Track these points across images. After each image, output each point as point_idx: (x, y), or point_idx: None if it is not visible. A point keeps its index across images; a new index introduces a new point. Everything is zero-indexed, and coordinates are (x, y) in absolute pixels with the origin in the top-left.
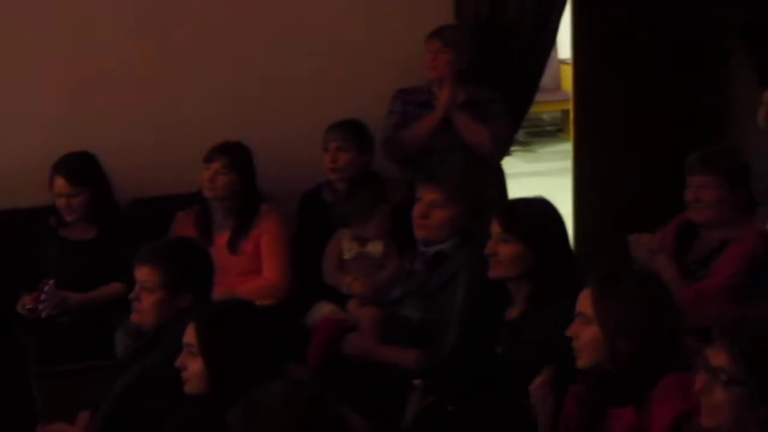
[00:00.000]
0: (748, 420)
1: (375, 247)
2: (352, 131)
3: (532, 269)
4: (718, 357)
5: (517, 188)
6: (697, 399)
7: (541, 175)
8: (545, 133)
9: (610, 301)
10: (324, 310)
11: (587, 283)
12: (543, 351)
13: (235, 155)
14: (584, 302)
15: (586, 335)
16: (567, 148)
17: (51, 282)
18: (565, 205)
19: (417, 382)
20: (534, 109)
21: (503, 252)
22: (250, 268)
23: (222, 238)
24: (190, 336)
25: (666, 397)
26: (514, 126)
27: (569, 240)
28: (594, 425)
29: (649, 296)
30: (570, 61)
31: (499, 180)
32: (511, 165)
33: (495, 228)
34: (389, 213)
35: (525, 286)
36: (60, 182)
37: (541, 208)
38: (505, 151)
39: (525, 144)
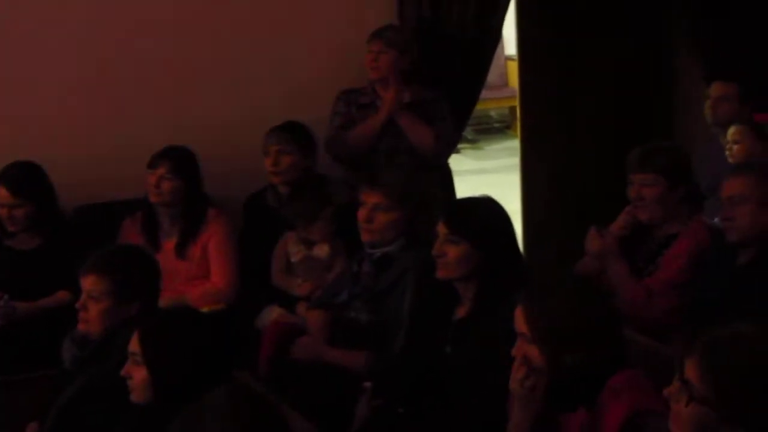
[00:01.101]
0: None
1: (321, 250)
2: (293, 134)
3: (479, 269)
4: (691, 370)
5: (465, 186)
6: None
7: (490, 172)
8: (493, 130)
9: (541, 317)
10: (273, 313)
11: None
12: (491, 350)
13: (179, 160)
14: (519, 321)
15: (531, 352)
16: (515, 144)
17: (6, 296)
18: (514, 202)
19: (366, 384)
20: (481, 106)
21: (450, 253)
22: (199, 273)
23: (169, 243)
24: (134, 345)
25: (616, 396)
26: (459, 125)
27: (516, 238)
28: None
29: (581, 303)
30: (516, 58)
31: (445, 180)
32: (459, 163)
33: (441, 229)
34: (334, 215)
35: (472, 286)
36: (2, 193)
37: (487, 208)
38: (450, 151)
39: (473, 141)
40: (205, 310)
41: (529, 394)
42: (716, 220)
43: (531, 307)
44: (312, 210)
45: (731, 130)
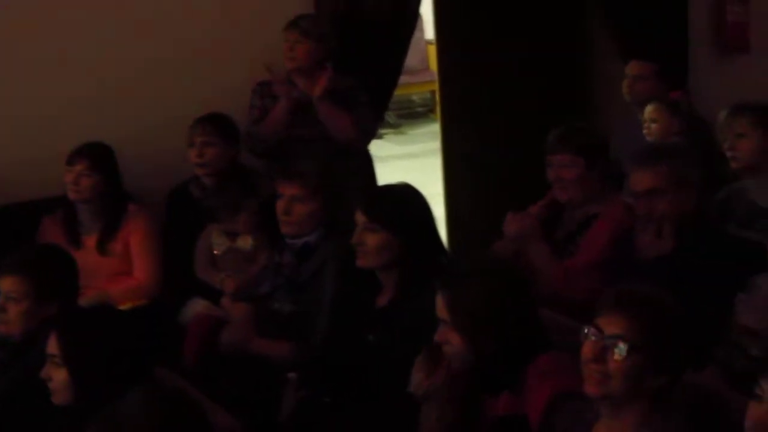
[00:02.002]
0: (639, 390)
1: (245, 242)
2: (218, 125)
3: (399, 256)
4: (614, 325)
5: (389, 171)
6: (586, 369)
7: (414, 156)
8: (416, 115)
9: (460, 302)
10: (197, 306)
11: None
12: (414, 337)
13: (97, 156)
14: (440, 308)
15: (453, 341)
16: (438, 128)
17: None
18: (438, 186)
19: (291, 375)
20: (403, 91)
21: (369, 241)
22: (121, 269)
23: (90, 240)
24: (52, 346)
25: (540, 378)
26: (378, 112)
27: (436, 224)
28: (470, 416)
29: (499, 287)
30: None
31: (366, 167)
32: (382, 148)
33: (360, 217)
34: (258, 207)
35: (393, 274)
36: None
37: (405, 195)
38: (369, 138)
39: (396, 126)
40: (128, 306)
41: (432, 394)
42: None
43: (450, 292)
44: (236, 202)
45: (648, 109)
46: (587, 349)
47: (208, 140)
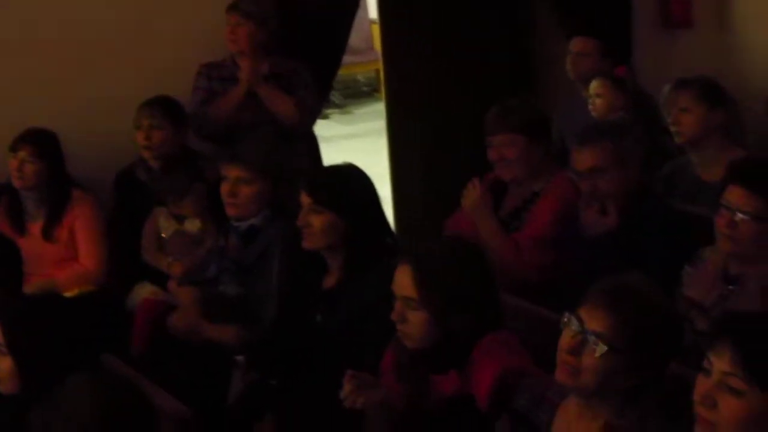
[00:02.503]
0: (612, 387)
1: (192, 225)
2: (165, 108)
3: (345, 237)
4: (597, 321)
5: (335, 152)
6: (560, 358)
7: (360, 136)
8: (361, 94)
9: (435, 283)
10: (144, 291)
11: (403, 261)
12: (361, 318)
13: (40, 143)
14: (406, 286)
15: (415, 319)
16: (383, 108)
17: None
18: (384, 166)
19: (239, 358)
20: (348, 71)
21: (315, 223)
22: (67, 256)
23: (35, 227)
24: None
25: (487, 357)
26: (322, 93)
27: (381, 205)
28: (418, 393)
29: (472, 268)
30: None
31: (311, 149)
32: (328, 128)
33: (305, 199)
34: (205, 190)
35: (340, 255)
36: None
37: (350, 176)
38: (313, 120)
39: (341, 106)
40: (74, 292)
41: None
42: None
43: (421, 269)
44: (183, 185)
45: (593, 84)
46: (565, 339)
47: (155, 123)
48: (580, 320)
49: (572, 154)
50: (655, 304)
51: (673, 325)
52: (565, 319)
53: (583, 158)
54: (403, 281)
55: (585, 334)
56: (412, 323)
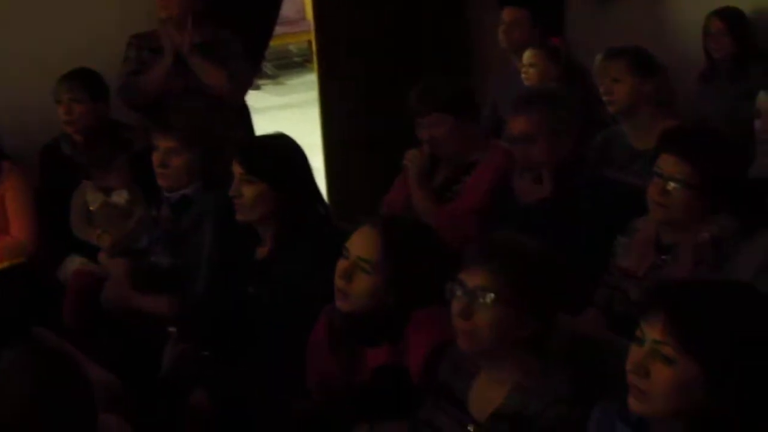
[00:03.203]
0: (509, 341)
1: (120, 197)
2: (85, 81)
3: (277, 208)
4: (477, 277)
5: (268, 122)
6: (455, 325)
7: (293, 107)
8: (293, 65)
9: (398, 250)
10: (75, 263)
11: (368, 224)
12: (294, 288)
13: None
14: (366, 248)
15: (362, 282)
16: (315, 78)
17: None
18: (316, 136)
19: (171, 329)
20: (280, 41)
21: (247, 193)
22: None
23: None
24: None
25: (419, 330)
26: (254, 63)
27: (313, 175)
28: (351, 365)
29: (432, 242)
30: None
31: (243, 119)
32: (261, 99)
33: (236, 169)
34: (131, 161)
35: (272, 225)
36: None
37: (282, 146)
38: (245, 90)
39: (274, 77)
40: (4, 265)
41: None
42: None
43: (386, 236)
44: (107, 157)
45: (526, 54)
46: (454, 305)
47: (75, 97)
48: (462, 284)
49: (508, 121)
50: (529, 251)
51: (553, 270)
52: (450, 289)
53: (518, 125)
54: (365, 243)
55: (469, 294)
56: (357, 285)
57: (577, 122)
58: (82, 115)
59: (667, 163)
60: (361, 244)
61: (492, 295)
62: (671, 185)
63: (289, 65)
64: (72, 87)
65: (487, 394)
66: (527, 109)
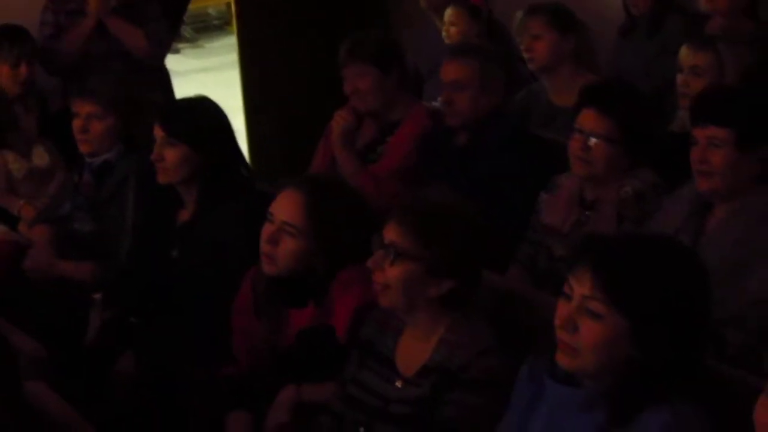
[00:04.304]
0: (419, 297)
1: (40, 158)
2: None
3: (199, 170)
4: (391, 233)
5: (188, 86)
6: (373, 280)
7: (212, 70)
8: (212, 28)
9: (323, 213)
10: None
11: (292, 187)
12: (218, 251)
13: None
14: (292, 212)
15: (287, 246)
16: (235, 41)
17: None
18: (237, 99)
19: (96, 295)
20: (199, 4)
21: (169, 156)
22: None
23: None
24: None
25: (344, 290)
26: (173, 26)
27: (235, 137)
28: (276, 326)
29: (357, 203)
30: None
31: (163, 82)
32: (180, 63)
33: (158, 132)
34: (50, 124)
35: (194, 188)
36: None
37: (203, 108)
38: (164, 52)
39: (193, 40)
40: None
41: None
42: (437, 102)
43: (312, 200)
44: (11, 118)
45: (447, 12)
46: (372, 259)
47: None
48: (380, 238)
49: (442, 66)
50: (444, 208)
51: (467, 228)
52: (373, 240)
53: (450, 71)
54: (290, 207)
55: (385, 248)
56: (284, 249)
57: (503, 78)
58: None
59: (587, 118)
60: (285, 207)
61: (395, 250)
62: (592, 140)
63: (208, 28)
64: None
65: (413, 349)
66: (461, 57)
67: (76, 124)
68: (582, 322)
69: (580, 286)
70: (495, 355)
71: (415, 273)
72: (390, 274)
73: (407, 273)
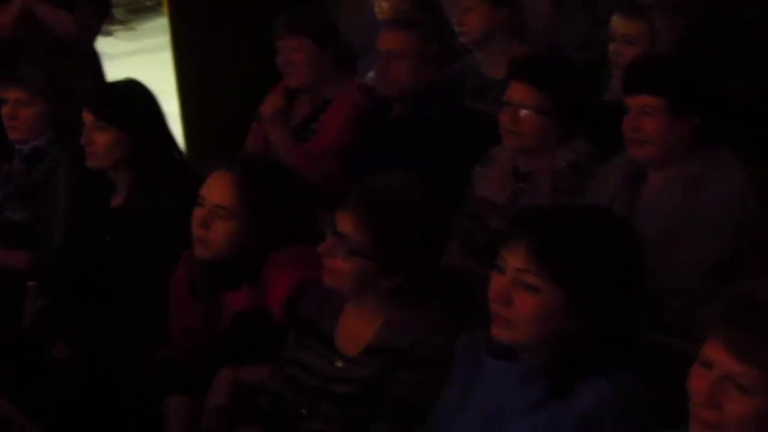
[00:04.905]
0: (368, 289)
1: None
2: None
3: (130, 154)
4: (344, 223)
5: (121, 69)
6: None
7: (145, 52)
8: (145, 9)
9: (254, 194)
10: None
11: (223, 169)
12: (152, 236)
13: None
14: (223, 194)
15: (220, 228)
16: (167, 22)
17: None
18: (171, 81)
19: (30, 283)
20: None
21: (99, 140)
22: None
23: None
24: None
25: (279, 270)
26: (102, 8)
27: (166, 120)
28: (212, 309)
29: (290, 183)
30: None
31: (93, 66)
32: (112, 45)
33: (87, 117)
34: None
35: (126, 172)
36: None
37: (132, 91)
38: (93, 36)
39: (125, 22)
40: None
41: None
42: (370, 74)
43: (243, 181)
44: None
45: None
46: (324, 242)
47: None
48: (333, 224)
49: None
50: (405, 205)
51: (421, 223)
52: (329, 224)
53: (389, 39)
54: (221, 189)
55: (336, 236)
56: (216, 232)
57: (439, 51)
58: None
59: (516, 90)
60: (216, 190)
61: (349, 246)
62: (522, 113)
63: (140, 9)
64: None
65: (355, 329)
66: (401, 28)
67: (4, 110)
68: (516, 295)
69: (514, 259)
70: (442, 333)
71: (368, 269)
72: (341, 266)
73: (359, 269)
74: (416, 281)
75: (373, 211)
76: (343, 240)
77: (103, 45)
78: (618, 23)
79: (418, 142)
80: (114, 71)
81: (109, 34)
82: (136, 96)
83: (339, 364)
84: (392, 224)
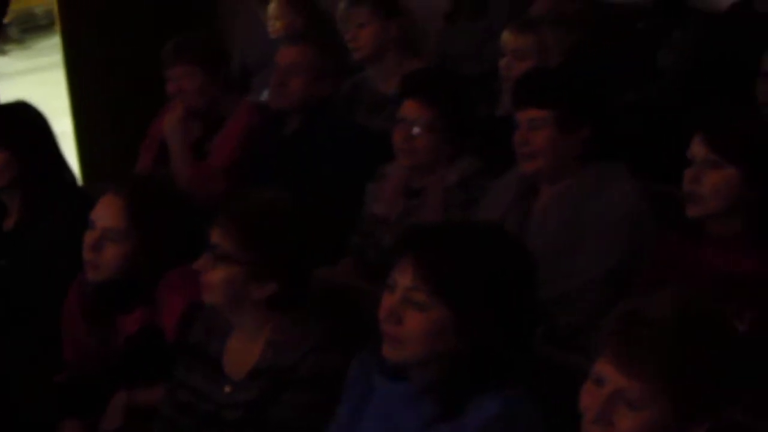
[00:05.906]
0: (243, 299)
1: None
2: None
3: (20, 176)
4: (214, 234)
5: (16, 88)
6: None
7: (40, 70)
8: (39, 28)
9: (144, 215)
10: None
11: (110, 192)
12: (45, 258)
13: None
14: (112, 217)
15: (111, 251)
16: None
17: None
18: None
19: None
20: (24, 4)
21: None
22: None
23: None
24: None
25: (173, 292)
26: None
27: (56, 140)
28: (105, 333)
29: (178, 200)
30: None
31: None
32: (7, 65)
33: None
34: None
35: (17, 194)
36: None
37: (20, 112)
38: None
39: (20, 41)
40: None
41: None
42: (265, 92)
43: (133, 203)
44: None
45: (271, 6)
46: (198, 260)
47: None
48: (211, 236)
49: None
50: (271, 211)
51: (294, 231)
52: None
53: (287, 53)
54: (110, 212)
55: (210, 249)
56: (107, 255)
57: (333, 67)
58: None
59: (408, 108)
60: (105, 214)
61: (218, 252)
62: (415, 130)
63: (35, 28)
64: None
65: (241, 352)
66: (299, 43)
67: None
68: (406, 314)
69: (402, 277)
70: (324, 351)
71: (237, 276)
72: (212, 276)
73: (229, 275)
74: (289, 291)
75: (239, 216)
76: (213, 251)
77: None
78: (508, 38)
79: (309, 159)
80: (8, 90)
81: (3, 53)
82: (25, 117)
83: (227, 389)
84: (257, 228)
